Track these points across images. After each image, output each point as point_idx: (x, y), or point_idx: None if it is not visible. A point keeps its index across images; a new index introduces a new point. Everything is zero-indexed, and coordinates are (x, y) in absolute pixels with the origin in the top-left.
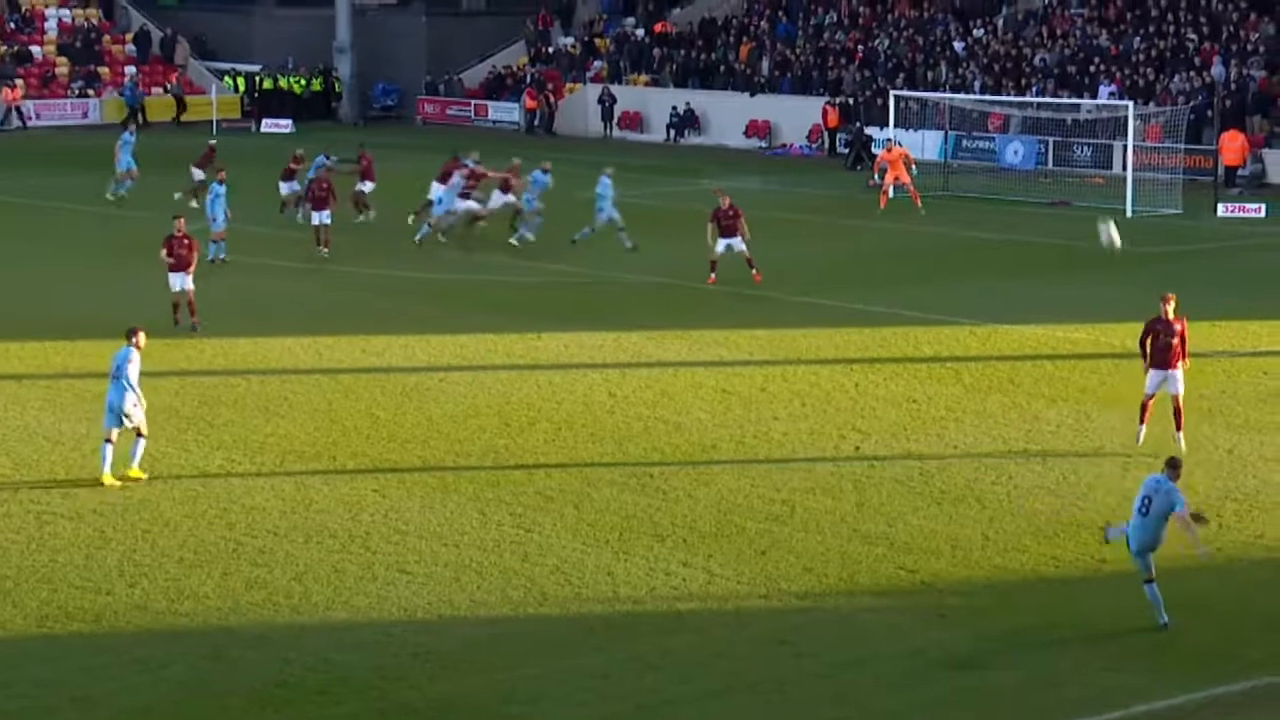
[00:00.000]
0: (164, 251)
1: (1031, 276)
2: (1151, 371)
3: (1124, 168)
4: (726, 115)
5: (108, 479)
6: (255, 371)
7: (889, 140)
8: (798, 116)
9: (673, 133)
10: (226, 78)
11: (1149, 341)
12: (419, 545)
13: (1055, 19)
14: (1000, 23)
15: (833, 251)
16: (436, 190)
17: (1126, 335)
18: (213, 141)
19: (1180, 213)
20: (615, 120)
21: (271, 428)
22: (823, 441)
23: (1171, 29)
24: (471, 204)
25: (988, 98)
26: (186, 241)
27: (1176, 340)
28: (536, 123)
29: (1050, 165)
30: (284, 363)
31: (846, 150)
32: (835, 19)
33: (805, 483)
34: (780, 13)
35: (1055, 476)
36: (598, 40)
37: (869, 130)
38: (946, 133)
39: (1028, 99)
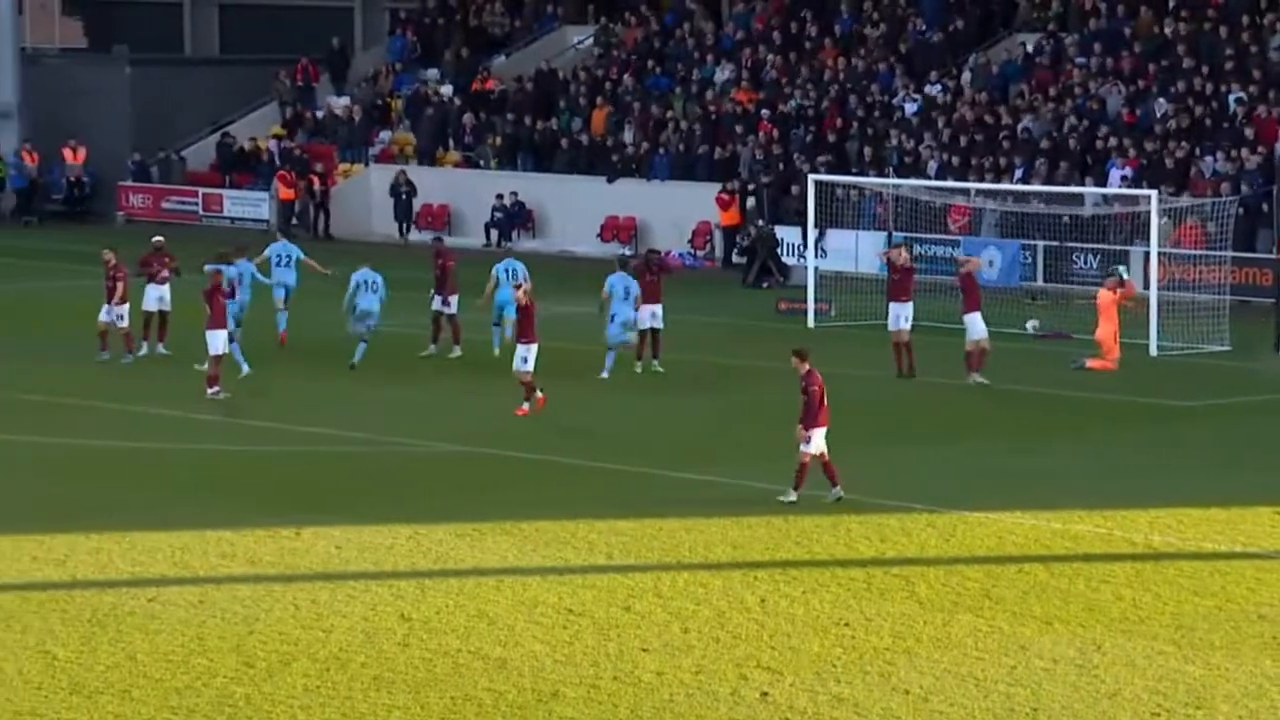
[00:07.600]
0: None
1: (1014, 441)
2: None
3: (1145, 285)
4: (572, 210)
5: None
6: None
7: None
8: (677, 211)
9: (495, 234)
10: None
11: None
12: None
13: (1045, 73)
14: (967, 77)
15: (728, 406)
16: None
17: (1151, 526)
18: None
19: (1227, 349)
20: (414, 217)
21: None
22: (715, 684)
23: (1212, 86)
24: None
25: (949, 184)
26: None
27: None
28: (294, 221)
29: (1039, 281)
30: None
31: (745, 259)
32: (733, 73)
33: None
34: (650, 62)
35: None
36: (387, 101)
37: (780, 230)
38: (890, 234)
39: (1006, 186)
